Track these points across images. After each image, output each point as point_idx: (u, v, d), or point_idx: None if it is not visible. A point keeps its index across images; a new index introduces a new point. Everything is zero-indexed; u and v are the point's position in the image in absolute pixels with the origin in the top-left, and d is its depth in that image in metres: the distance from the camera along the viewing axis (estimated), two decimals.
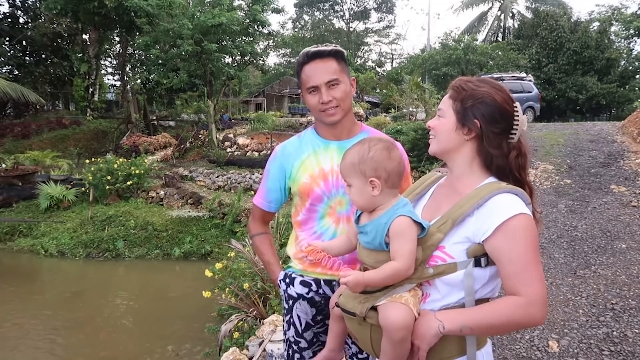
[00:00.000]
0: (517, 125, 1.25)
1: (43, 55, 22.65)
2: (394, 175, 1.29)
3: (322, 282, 1.67)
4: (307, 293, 1.68)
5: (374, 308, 1.20)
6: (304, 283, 1.69)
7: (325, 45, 1.65)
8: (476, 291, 1.20)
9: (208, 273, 4.93)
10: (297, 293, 1.69)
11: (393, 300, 1.19)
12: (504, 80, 16.56)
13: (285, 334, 1.77)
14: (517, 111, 1.25)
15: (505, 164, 1.25)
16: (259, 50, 18.78)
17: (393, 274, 1.17)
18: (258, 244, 1.86)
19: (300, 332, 1.69)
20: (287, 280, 1.72)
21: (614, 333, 3.38)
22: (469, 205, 1.18)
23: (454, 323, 1.15)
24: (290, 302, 1.72)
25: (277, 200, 1.78)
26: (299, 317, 1.69)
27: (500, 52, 24.16)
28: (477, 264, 1.18)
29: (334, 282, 1.65)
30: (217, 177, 12.36)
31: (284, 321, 1.79)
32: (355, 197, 1.30)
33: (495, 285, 1.24)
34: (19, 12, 22.21)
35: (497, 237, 1.14)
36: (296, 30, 40.08)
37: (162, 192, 11.50)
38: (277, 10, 18.59)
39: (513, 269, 1.13)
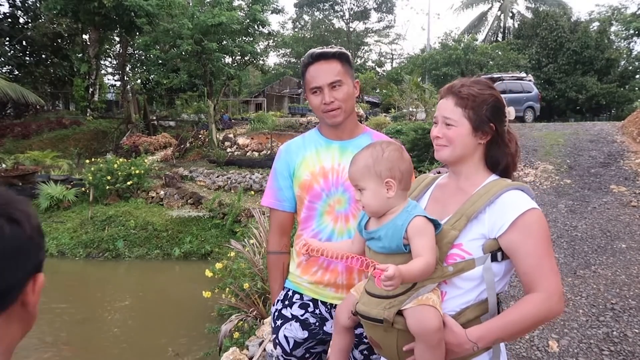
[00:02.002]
0: (507, 116, 1.32)
1: (43, 55, 22.63)
2: (407, 176, 1.30)
3: (319, 302, 1.66)
4: (302, 315, 1.67)
5: (399, 313, 1.20)
6: (302, 306, 1.68)
7: (331, 47, 1.66)
8: (494, 283, 1.22)
9: (208, 273, 4.94)
10: (291, 314, 1.68)
11: (420, 302, 1.18)
12: (503, 80, 16.56)
13: (274, 348, 1.77)
14: (504, 104, 1.33)
15: (512, 159, 1.32)
16: (259, 50, 18.79)
17: (426, 268, 1.16)
18: (271, 265, 1.78)
19: (289, 351, 1.67)
20: (287, 302, 1.71)
21: (614, 333, 3.39)
22: (481, 202, 1.22)
23: (487, 341, 1.17)
24: (280, 321, 1.69)
25: (290, 199, 1.72)
26: (286, 337, 1.67)
27: (500, 52, 24.19)
28: (493, 258, 1.21)
29: (330, 304, 1.65)
30: (217, 177, 12.37)
31: (272, 339, 1.76)
32: (370, 201, 1.28)
33: (508, 278, 1.28)
34: (19, 12, 22.21)
35: (512, 233, 1.18)
36: (296, 30, 40.06)
37: (162, 192, 11.50)
38: (277, 11, 18.60)
39: (529, 263, 1.17)
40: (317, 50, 1.65)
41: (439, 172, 1.51)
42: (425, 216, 1.22)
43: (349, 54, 1.70)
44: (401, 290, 1.20)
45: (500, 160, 1.31)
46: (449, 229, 1.22)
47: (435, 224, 1.22)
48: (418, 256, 1.18)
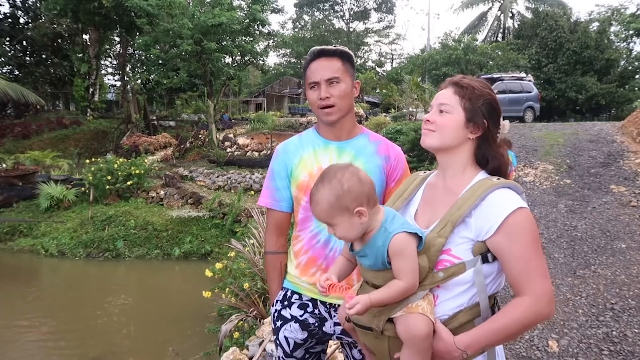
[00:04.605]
0: (500, 127, 1.33)
1: (43, 56, 22.64)
2: (372, 195, 1.25)
3: (318, 301, 1.66)
4: (302, 315, 1.66)
5: (390, 320, 1.19)
6: (301, 306, 1.68)
7: (334, 46, 1.66)
8: (486, 285, 1.21)
9: (208, 273, 4.93)
10: (291, 315, 1.68)
11: (410, 310, 1.17)
12: (503, 80, 16.55)
13: (275, 349, 1.77)
14: (501, 114, 1.35)
15: (502, 162, 1.30)
16: (258, 50, 18.79)
17: (401, 293, 1.16)
18: (268, 265, 1.78)
19: (289, 352, 1.67)
20: (286, 302, 1.70)
21: (614, 333, 3.39)
22: (466, 207, 1.19)
23: (476, 348, 1.16)
24: (279, 322, 1.69)
25: (287, 199, 1.72)
26: (286, 338, 1.67)
27: (500, 52, 24.15)
28: (484, 260, 1.19)
29: (329, 304, 1.64)
30: (217, 177, 12.37)
31: (273, 340, 1.77)
32: (345, 233, 1.24)
33: (501, 279, 1.25)
34: (19, 12, 22.21)
35: (499, 236, 1.16)
36: (296, 30, 40.07)
37: (162, 192, 11.50)
38: (277, 10, 18.61)
39: (517, 267, 1.15)
40: (319, 47, 1.66)
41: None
42: (405, 231, 1.18)
43: (352, 53, 1.69)
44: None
45: (490, 158, 1.28)
46: (436, 237, 1.20)
47: (419, 235, 1.19)
48: (396, 278, 1.16)
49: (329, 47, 1.64)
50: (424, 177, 1.44)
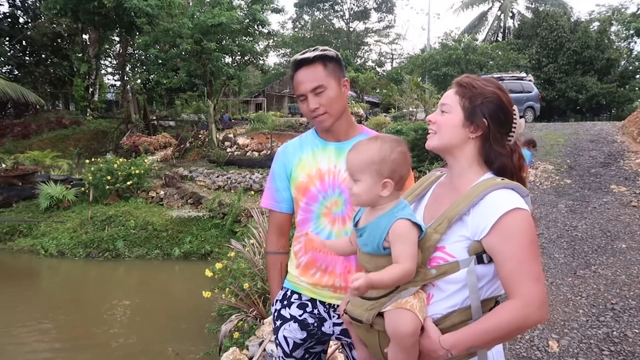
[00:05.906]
0: (515, 127, 1.28)
1: (43, 55, 22.65)
2: (404, 179, 1.28)
3: (317, 302, 1.67)
4: (301, 315, 1.67)
5: (380, 314, 1.19)
6: (300, 306, 1.69)
7: (314, 50, 1.62)
8: (481, 288, 1.18)
9: (208, 273, 4.93)
10: (290, 315, 1.68)
11: (399, 306, 1.17)
12: (503, 80, 16.55)
13: (276, 349, 1.79)
14: (515, 114, 1.29)
15: (510, 164, 1.26)
16: (258, 50, 18.79)
17: (401, 276, 1.15)
18: (269, 265, 1.81)
19: (288, 352, 1.68)
20: (285, 302, 1.72)
21: (614, 333, 3.38)
22: (464, 204, 1.18)
23: (460, 348, 1.14)
24: (279, 322, 1.71)
25: (287, 200, 1.73)
26: (285, 338, 1.68)
27: (500, 52, 24.14)
28: (479, 261, 1.17)
29: (328, 304, 1.65)
30: (217, 177, 12.36)
31: (273, 339, 1.78)
32: (360, 192, 1.25)
33: (499, 282, 1.23)
34: (19, 12, 22.22)
35: (493, 235, 1.14)
36: (296, 30, 40.10)
37: (162, 192, 11.49)
38: (277, 10, 18.61)
39: (508, 268, 1.12)
40: (298, 56, 1.62)
41: (439, 171, 1.50)
42: (409, 219, 1.19)
43: (334, 53, 1.63)
44: (384, 293, 1.19)
45: (493, 159, 1.26)
46: (432, 233, 1.20)
47: (420, 227, 1.20)
48: (396, 262, 1.16)
49: (306, 55, 1.61)
50: (439, 176, 1.44)
